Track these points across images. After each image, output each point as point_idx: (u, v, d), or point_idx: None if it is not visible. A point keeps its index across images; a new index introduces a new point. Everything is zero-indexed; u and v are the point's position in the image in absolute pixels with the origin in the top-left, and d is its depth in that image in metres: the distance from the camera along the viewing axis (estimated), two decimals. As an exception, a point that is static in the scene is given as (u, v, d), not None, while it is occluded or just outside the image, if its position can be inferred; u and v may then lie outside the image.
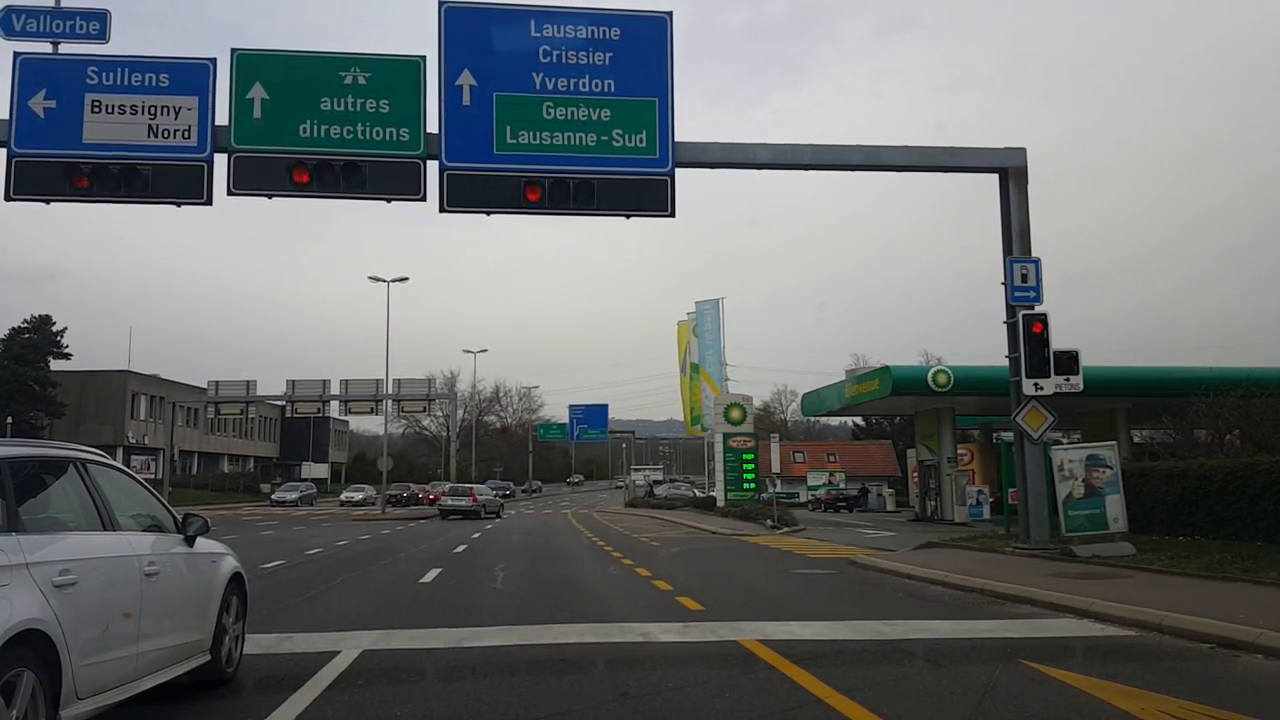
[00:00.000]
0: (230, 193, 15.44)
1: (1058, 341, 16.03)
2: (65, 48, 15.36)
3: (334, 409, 55.98)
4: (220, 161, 15.41)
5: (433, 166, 15.69)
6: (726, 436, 42.63)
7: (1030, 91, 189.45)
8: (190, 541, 6.13)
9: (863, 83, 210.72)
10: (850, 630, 8.85)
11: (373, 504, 56.18)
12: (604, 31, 16.02)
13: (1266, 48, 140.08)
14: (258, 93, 15.53)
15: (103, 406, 61.92)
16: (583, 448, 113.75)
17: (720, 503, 41.18)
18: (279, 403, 55.59)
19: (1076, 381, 15.92)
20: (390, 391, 49.74)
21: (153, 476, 55.31)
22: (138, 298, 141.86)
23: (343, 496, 61.03)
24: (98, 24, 15.35)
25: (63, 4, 15.52)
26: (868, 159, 16.99)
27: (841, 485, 54.95)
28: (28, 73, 15.21)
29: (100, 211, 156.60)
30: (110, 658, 4.77)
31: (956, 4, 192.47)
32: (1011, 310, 16.36)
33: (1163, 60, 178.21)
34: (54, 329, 58.01)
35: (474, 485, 49.26)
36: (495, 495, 49.74)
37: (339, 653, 7.61)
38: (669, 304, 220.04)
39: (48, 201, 15.42)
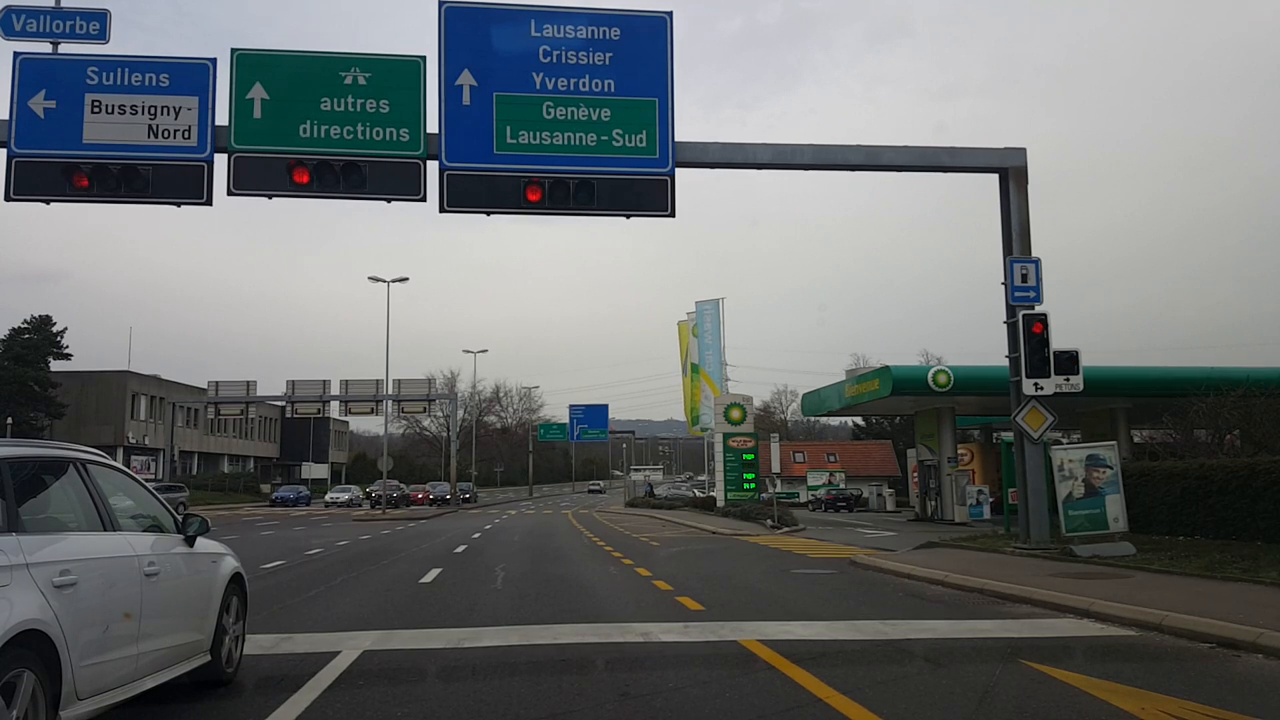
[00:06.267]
0: (230, 193, 15.42)
1: (1058, 341, 16.03)
2: (65, 48, 15.35)
3: (334, 409, 56.07)
4: (220, 162, 15.40)
5: (433, 167, 15.68)
6: (726, 436, 42.58)
7: (1025, 95, 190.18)
8: (190, 542, 6.13)
9: (856, 87, 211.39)
10: (850, 630, 8.85)
11: (360, 505, 55.47)
12: (604, 31, 16.01)
13: (1264, 51, 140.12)
14: (258, 93, 15.51)
15: (103, 407, 61.89)
16: (583, 448, 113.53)
17: (720, 503, 41.14)
18: (279, 403, 55.55)
19: (1076, 381, 15.91)
20: (390, 392, 49.81)
21: (153, 477, 55.28)
22: (138, 298, 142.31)
23: (328, 497, 59.21)
24: (98, 24, 15.33)
25: (63, 4, 15.52)
26: (868, 159, 16.97)
27: (841, 485, 54.93)
28: (28, 73, 15.19)
29: (100, 212, 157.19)
30: (110, 658, 4.76)
31: (948, 11, 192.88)
32: (1011, 310, 16.35)
33: (1160, 63, 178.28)
34: (54, 329, 57.97)
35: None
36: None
37: (339, 653, 7.61)
38: (669, 304, 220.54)
39: (48, 202, 15.41)
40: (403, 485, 60.86)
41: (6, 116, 15.10)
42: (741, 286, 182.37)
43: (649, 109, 16.01)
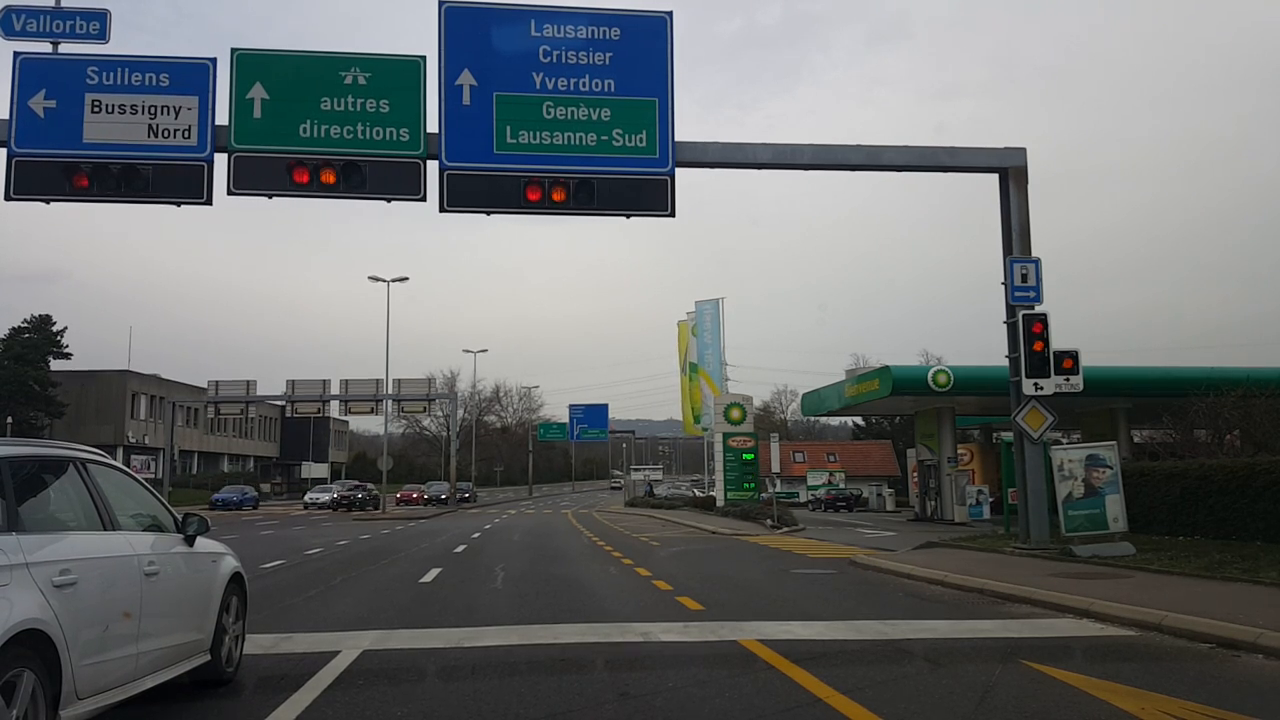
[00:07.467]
0: (230, 193, 15.41)
1: (1058, 341, 16.03)
2: (65, 48, 15.34)
3: (334, 409, 55.90)
4: (220, 161, 15.38)
5: (433, 166, 15.68)
6: (726, 436, 42.59)
7: (1025, 96, 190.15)
8: (190, 541, 6.13)
9: (855, 88, 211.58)
10: (850, 630, 8.85)
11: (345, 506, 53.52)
12: (604, 31, 16.00)
13: (1263, 51, 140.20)
14: (258, 92, 15.51)
15: (103, 406, 61.95)
16: (583, 447, 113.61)
17: (720, 503, 41.14)
18: (279, 403, 55.49)
19: (1076, 381, 15.91)
20: (390, 391, 49.76)
21: (153, 476, 55.27)
22: (138, 298, 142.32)
23: (307, 498, 55.59)
24: (98, 24, 15.32)
25: (63, 4, 15.52)
26: (868, 159, 16.96)
27: (841, 485, 54.95)
28: (28, 73, 15.18)
29: (100, 211, 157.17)
30: (110, 657, 4.76)
31: (947, 12, 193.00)
32: (1011, 310, 16.35)
33: (1160, 63, 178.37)
34: (54, 329, 58.03)
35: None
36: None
37: (339, 653, 7.61)
38: (669, 304, 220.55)
39: (48, 201, 15.40)
40: (371, 485, 53.26)
41: (6, 116, 15.09)
42: (741, 286, 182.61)
43: (649, 109, 16.00)
